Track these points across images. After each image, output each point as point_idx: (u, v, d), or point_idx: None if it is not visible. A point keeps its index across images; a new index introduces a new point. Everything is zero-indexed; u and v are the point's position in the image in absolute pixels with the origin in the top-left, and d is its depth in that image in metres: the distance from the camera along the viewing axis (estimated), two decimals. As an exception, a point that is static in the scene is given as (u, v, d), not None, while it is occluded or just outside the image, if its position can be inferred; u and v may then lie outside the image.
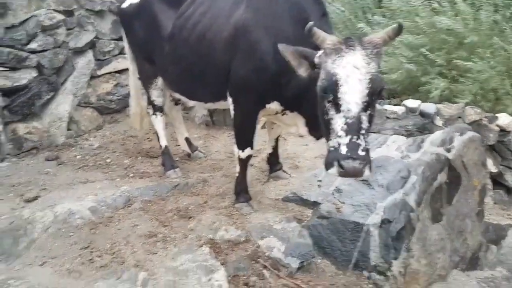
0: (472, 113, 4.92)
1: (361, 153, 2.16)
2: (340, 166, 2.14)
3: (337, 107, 2.19)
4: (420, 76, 5.48)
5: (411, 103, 4.84)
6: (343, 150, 2.15)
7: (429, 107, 4.77)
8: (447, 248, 3.19)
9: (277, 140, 3.54)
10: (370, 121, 2.29)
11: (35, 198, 3.17)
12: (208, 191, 3.39)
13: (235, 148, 3.12)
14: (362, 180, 3.19)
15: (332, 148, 2.23)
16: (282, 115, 2.94)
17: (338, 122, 2.19)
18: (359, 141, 2.17)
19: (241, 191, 3.19)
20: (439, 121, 4.73)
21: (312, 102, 2.65)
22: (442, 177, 3.16)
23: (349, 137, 2.15)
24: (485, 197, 3.79)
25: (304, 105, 2.80)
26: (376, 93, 2.20)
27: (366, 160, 2.19)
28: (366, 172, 2.21)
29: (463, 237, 3.39)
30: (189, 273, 2.39)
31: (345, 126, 2.16)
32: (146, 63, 3.56)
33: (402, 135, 4.64)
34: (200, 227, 2.86)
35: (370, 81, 2.14)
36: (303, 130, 2.97)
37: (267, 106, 2.89)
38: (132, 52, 3.75)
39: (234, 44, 2.84)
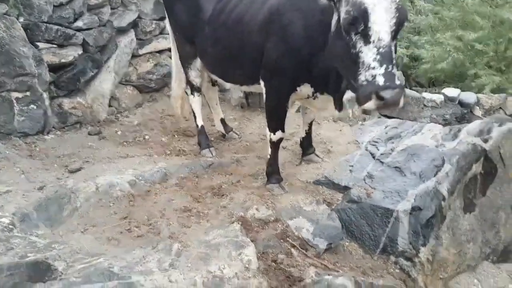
0: (514, 104, 4.77)
1: (397, 81, 2.16)
2: (379, 97, 2.11)
3: (367, 38, 2.17)
4: (467, 67, 5.36)
5: (451, 91, 4.74)
6: (380, 80, 2.12)
7: (469, 97, 4.66)
8: (478, 239, 3.17)
9: (310, 124, 3.57)
10: (395, 52, 2.30)
11: (79, 170, 3.34)
12: (241, 171, 3.48)
13: (267, 131, 3.19)
14: (395, 167, 3.20)
15: (364, 83, 2.19)
16: (314, 99, 2.97)
17: (368, 54, 2.17)
18: (394, 71, 2.17)
19: (273, 173, 3.26)
20: (478, 111, 4.62)
21: (336, 79, 2.70)
22: (477, 168, 3.12)
23: (384, 66, 2.13)
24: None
25: (331, 84, 2.81)
26: (402, 23, 2.20)
27: (403, 89, 2.19)
28: (402, 102, 2.20)
29: (496, 229, 3.34)
30: (220, 247, 2.49)
31: (378, 57, 2.14)
32: (187, 44, 3.65)
33: (440, 124, 4.57)
34: (232, 205, 2.96)
35: (396, 10, 2.15)
36: (332, 110, 2.98)
37: (298, 89, 2.92)
38: (174, 33, 3.85)
39: (268, 27, 2.88)
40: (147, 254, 2.40)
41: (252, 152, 3.84)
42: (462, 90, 4.90)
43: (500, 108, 4.90)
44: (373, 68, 2.15)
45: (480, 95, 4.81)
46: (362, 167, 3.36)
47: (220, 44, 3.28)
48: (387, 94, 2.10)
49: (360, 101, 2.24)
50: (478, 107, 4.71)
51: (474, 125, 3.39)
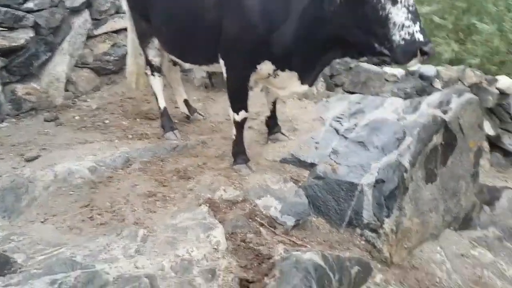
0: (472, 75, 4.90)
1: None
2: (424, 53, 2.22)
3: None
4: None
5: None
6: (420, 37, 2.23)
7: (429, 70, 4.75)
8: (440, 208, 3.27)
9: (274, 103, 3.54)
10: None
11: (36, 158, 3.19)
12: (207, 153, 3.43)
13: (230, 111, 3.14)
14: (359, 142, 3.24)
15: (402, 42, 2.27)
16: (274, 77, 2.93)
17: (399, 14, 2.25)
18: (423, 26, 2.27)
19: (239, 153, 3.22)
20: (438, 84, 4.72)
21: (305, 53, 2.71)
22: (437, 139, 3.20)
23: (418, 23, 2.24)
24: (481, 159, 3.85)
25: (295, 60, 2.80)
26: None
27: None
28: None
29: (457, 198, 3.47)
30: (188, 230, 2.46)
31: (410, 15, 2.24)
32: (143, 22, 3.50)
33: (401, 97, 4.65)
34: (199, 187, 2.92)
35: None
36: (297, 86, 2.97)
37: (259, 67, 2.87)
38: (129, 10, 3.69)
39: (224, 3, 2.80)
40: (111, 241, 2.34)
41: (218, 133, 3.79)
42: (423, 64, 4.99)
43: (459, 80, 5.02)
44: (408, 26, 2.24)
45: (439, 68, 4.91)
46: (327, 144, 3.38)
47: (175, 22, 3.17)
48: (429, 48, 2.23)
49: (402, 59, 2.33)
50: (438, 80, 4.81)
51: (434, 97, 3.46)
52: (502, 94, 4.90)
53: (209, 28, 2.94)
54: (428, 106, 3.33)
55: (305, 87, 3.03)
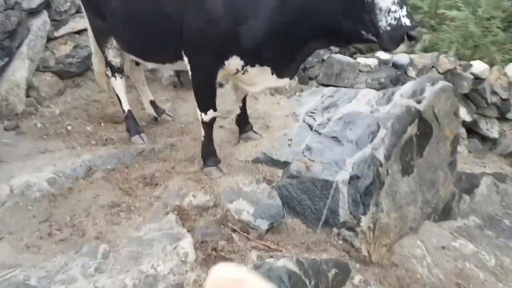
0: (446, 62, 4.85)
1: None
2: (411, 37, 2.17)
3: None
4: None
5: (384, 55, 4.73)
6: (407, 21, 2.16)
7: (402, 58, 4.67)
8: (418, 200, 3.19)
9: (244, 100, 3.39)
10: None
11: (-8, 172, 3.00)
12: (176, 156, 3.26)
13: (198, 111, 2.98)
14: (332, 137, 3.13)
15: (388, 28, 2.19)
16: (243, 73, 2.78)
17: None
18: (410, 10, 2.21)
19: (209, 155, 3.07)
20: (412, 72, 4.66)
21: (282, 46, 2.57)
22: (412, 130, 3.10)
23: (404, 8, 2.17)
24: (458, 147, 3.78)
25: (268, 54, 2.65)
26: None
27: None
28: None
29: (435, 189, 3.39)
30: (153, 242, 2.31)
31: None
32: (98, 20, 3.29)
33: (376, 88, 4.56)
34: (167, 194, 2.77)
35: None
36: (272, 80, 2.83)
37: (226, 63, 2.71)
38: (84, 8, 3.48)
39: None
40: (70, 259, 2.18)
41: (188, 135, 3.62)
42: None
43: (433, 67, 4.97)
44: (395, 11, 2.17)
45: (413, 56, 4.84)
46: (301, 140, 3.25)
47: (132, 19, 2.98)
48: (416, 33, 2.17)
49: (390, 45, 2.25)
50: (411, 68, 4.74)
51: (407, 87, 3.36)
52: (477, 79, 4.87)
53: (170, 23, 2.77)
54: (401, 97, 3.23)
55: (284, 81, 2.89)
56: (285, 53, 2.69)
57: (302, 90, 4.44)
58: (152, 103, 3.89)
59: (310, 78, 4.94)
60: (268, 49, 2.64)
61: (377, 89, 4.41)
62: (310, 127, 3.37)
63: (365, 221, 2.66)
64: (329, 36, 2.52)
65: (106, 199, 2.72)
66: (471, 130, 5.04)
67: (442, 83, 3.47)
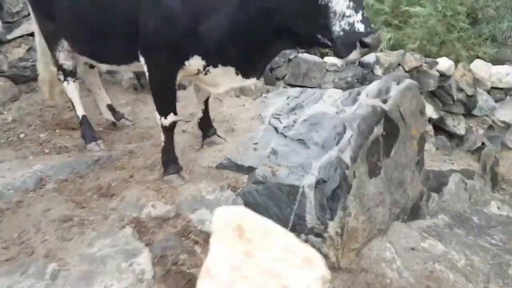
0: (412, 60, 4.85)
1: (373, 25, 2.10)
2: (364, 44, 2.04)
3: None
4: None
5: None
6: (361, 27, 2.05)
7: (368, 57, 4.63)
8: (387, 201, 3.13)
9: (206, 102, 3.26)
10: None
11: None
12: (135, 164, 3.09)
13: (157, 115, 2.82)
14: (298, 140, 3.03)
15: (341, 33, 2.07)
16: (205, 74, 2.64)
17: (340, 2, 2.05)
18: (367, 15, 2.09)
19: (170, 162, 2.92)
20: (378, 70, 4.62)
21: (246, 45, 2.46)
22: (378, 130, 3.04)
23: (360, 12, 2.05)
24: (426, 143, 3.76)
25: (232, 54, 2.52)
26: None
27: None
28: None
29: (403, 188, 3.34)
30: (107, 259, 2.15)
31: (352, 3, 2.05)
32: (47, 21, 3.09)
33: (342, 88, 4.51)
34: (124, 206, 2.60)
35: None
36: (237, 81, 2.70)
37: (187, 63, 2.57)
38: (32, 9, 3.26)
39: None
40: (15, 282, 1.99)
41: (148, 140, 3.45)
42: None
43: (399, 65, 4.95)
44: (349, 16, 2.05)
45: (379, 54, 4.82)
46: (266, 143, 3.15)
47: (84, 18, 2.79)
48: (370, 39, 2.04)
49: (342, 53, 2.12)
50: (378, 66, 4.71)
51: (373, 86, 3.30)
52: (443, 76, 4.89)
53: (124, 21, 2.60)
54: (367, 96, 3.16)
55: (250, 81, 2.75)
56: (250, 53, 2.56)
57: (268, 91, 4.33)
58: (110, 107, 3.70)
59: (277, 79, 4.85)
60: (231, 48, 2.51)
61: (344, 88, 4.36)
62: (276, 129, 3.26)
63: (332, 227, 2.57)
64: (291, 37, 2.41)
65: (57, 212, 2.53)
66: (438, 127, 5.06)
67: (407, 82, 3.43)
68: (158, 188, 2.77)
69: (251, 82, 2.76)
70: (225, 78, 2.70)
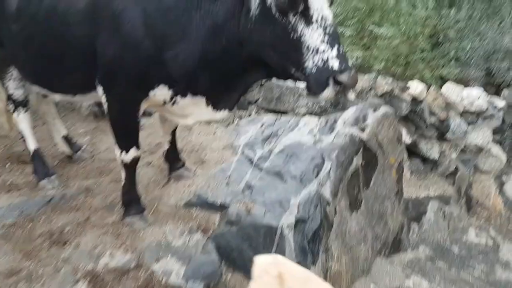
0: (384, 84, 4.76)
1: (349, 62, 1.94)
2: (338, 82, 1.86)
3: (308, 19, 1.89)
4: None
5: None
6: (335, 64, 1.85)
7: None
8: (368, 237, 2.95)
9: (174, 133, 2.99)
10: None
11: None
12: (92, 204, 2.76)
13: (117, 150, 2.53)
14: (275, 173, 2.81)
15: (313, 70, 1.88)
16: (172, 104, 2.39)
17: (314, 36, 1.88)
18: (343, 50, 1.91)
19: (131, 202, 2.62)
20: (351, 95, 4.49)
21: (216, 75, 2.24)
22: (358, 160, 2.88)
23: (335, 47, 1.88)
24: (403, 174, 3.63)
25: (202, 83, 2.29)
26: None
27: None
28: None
29: (384, 221, 3.18)
30: (56, 325, 1.82)
31: (326, 37, 1.88)
32: (-6, 48, 2.78)
33: (316, 112, 4.35)
34: (78, 255, 2.28)
35: None
36: (208, 113, 2.45)
37: (151, 93, 2.31)
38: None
39: (95, 17, 2.23)
40: None
41: (107, 176, 3.12)
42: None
43: (371, 89, 4.86)
44: (323, 51, 1.88)
45: (351, 78, 4.71)
46: (240, 177, 2.90)
47: (35, 44, 2.50)
48: (345, 77, 1.85)
49: (314, 90, 1.92)
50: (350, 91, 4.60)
51: (349, 114, 3.15)
52: (415, 100, 4.82)
53: (80, 48, 2.34)
54: (344, 124, 3.00)
55: (222, 114, 2.50)
56: (222, 82, 2.33)
57: (241, 117, 4.11)
58: (66, 138, 3.36)
59: (250, 103, 4.64)
60: (201, 77, 2.27)
61: (318, 113, 4.21)
62: (250, 161, 3.04)
63: (315, 272, 2.33)
64: (265, 68, 2.21)
65: (2, 264, 2.19)
66: (412, 151, 4.97)
67: (383, 109, 3.31)
68: (118, 233, 2.46)
69: (223, 115, 2.52)
70: (194, 109, 2.45)
